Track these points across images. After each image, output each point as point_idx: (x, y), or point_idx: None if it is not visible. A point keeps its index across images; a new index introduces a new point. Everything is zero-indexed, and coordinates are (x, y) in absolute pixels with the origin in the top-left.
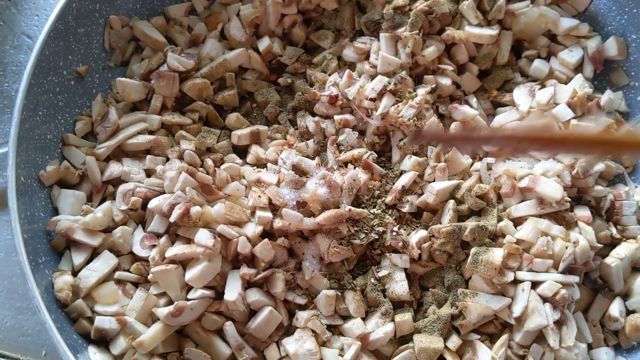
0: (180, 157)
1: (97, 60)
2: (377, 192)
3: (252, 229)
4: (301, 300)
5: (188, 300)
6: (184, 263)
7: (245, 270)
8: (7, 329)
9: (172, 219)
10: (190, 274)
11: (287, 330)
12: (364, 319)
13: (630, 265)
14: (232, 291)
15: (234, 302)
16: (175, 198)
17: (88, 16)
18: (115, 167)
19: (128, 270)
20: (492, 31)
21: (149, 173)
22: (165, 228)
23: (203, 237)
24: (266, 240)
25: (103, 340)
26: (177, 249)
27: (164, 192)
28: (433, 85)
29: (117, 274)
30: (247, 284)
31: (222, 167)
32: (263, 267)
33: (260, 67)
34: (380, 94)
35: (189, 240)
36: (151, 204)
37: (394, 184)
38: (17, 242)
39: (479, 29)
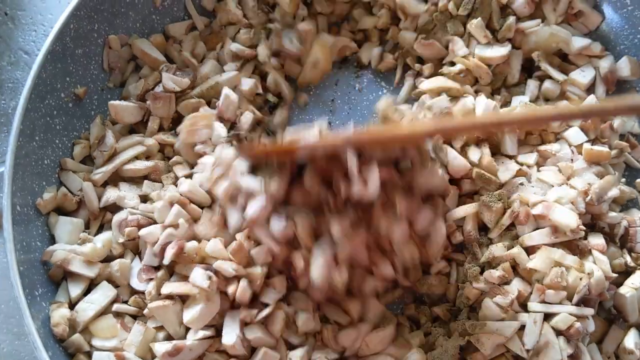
0: (175, 184)
1: (95, 81)
2: None
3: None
4: (295, 340)
5: (187, 338)
6: (182, 297)
7: (245, 313)
8: (4, 355)
9: (166, 261)
10: (189, 316)
11: None
12: None
13: None
14: (230, 334)
15: (233, 346)
16: (167, 237)
17: (86, 37)
18: (112, 193)
19: (126, 302)
20: (503, 50)
21: (146, 199)
22: (159, 261)
23: (198, 277)
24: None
25: None
26: (173, 287)
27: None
28: None
29: (116, 307)
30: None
31: None
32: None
33: None
34: None
35: (185, 277)
36: (142, 232)
37: None
38: (12, 276)
39: (488, 49)
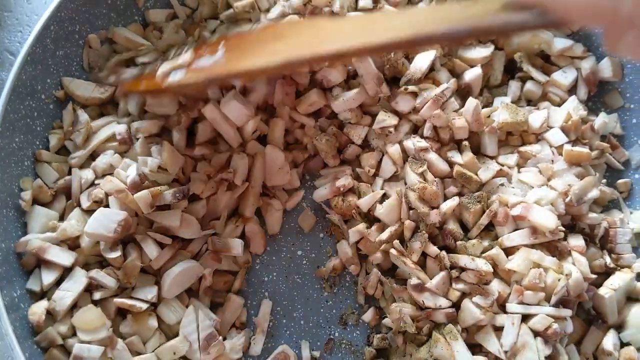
0: None
1: None
2: None
3: None
4: None
5: None
6: None
7: None
8: None
9: None
10: None
11: None
12: None
13: (625, 295)
14: None
15: None
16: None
17: (67, 38)
18: (89, 174)
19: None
20: (486, 51)
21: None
22: None
23: None
24: None
25: None
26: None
27: None
28: None
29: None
30: None
31: None
32: None
33: None
34: None
35: None
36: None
37: None
38: None
39: (471, 50)
